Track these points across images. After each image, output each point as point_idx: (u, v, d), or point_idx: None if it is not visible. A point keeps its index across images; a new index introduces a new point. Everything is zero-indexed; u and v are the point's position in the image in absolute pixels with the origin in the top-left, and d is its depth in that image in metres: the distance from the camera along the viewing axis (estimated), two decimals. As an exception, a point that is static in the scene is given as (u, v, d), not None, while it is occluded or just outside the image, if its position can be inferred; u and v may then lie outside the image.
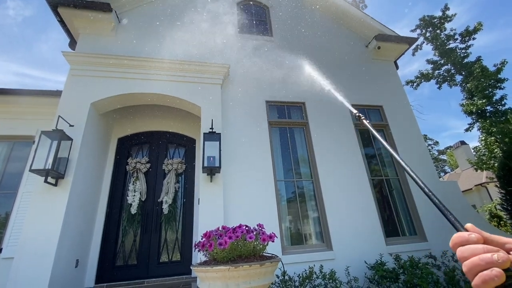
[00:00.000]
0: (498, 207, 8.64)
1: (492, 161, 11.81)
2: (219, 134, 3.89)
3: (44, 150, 3.28)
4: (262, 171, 4.14)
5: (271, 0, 6.22)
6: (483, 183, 16.09)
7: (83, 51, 4.35)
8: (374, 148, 5.07)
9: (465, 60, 16.00)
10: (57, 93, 4.36)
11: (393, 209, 4.57)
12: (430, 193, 0.65)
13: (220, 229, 1.77)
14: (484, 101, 13.38)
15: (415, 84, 18.78)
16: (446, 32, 17.07)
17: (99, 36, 4.69)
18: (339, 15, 6.35)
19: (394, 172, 4.87)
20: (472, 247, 0.44)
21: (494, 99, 13.68)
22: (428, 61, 17.93)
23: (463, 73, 15.85)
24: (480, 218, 4.74)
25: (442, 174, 30.14)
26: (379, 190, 4.69)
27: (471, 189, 16.90)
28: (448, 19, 16.97)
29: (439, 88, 18.09)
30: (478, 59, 15.23)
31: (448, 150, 30.45)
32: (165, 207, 4.55)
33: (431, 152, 30.80)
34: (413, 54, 18.67)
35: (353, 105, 4.34)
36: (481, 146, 12.90)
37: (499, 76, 13.86)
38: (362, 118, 1.05)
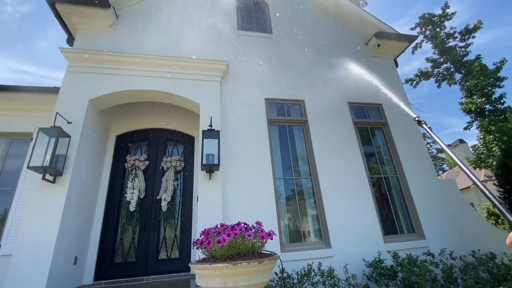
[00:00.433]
0: (496, 205, 8.67)
1: (491, 160, 11.85)
2: (218, 131, 3.88)
3: (42, 147, 3.26)
4: (261, 168, 4.14)
5: (271, -3, 6.19)
6: (482, 181, 16.08)
7: (81, 48, 4.31)
8: (373, 146, 5.07)
9: (465, 59, 16.00)
10: (55, 90, 4.33)
11: (392, 207, 4.58)
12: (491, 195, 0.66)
13: (218, 226, 1.77)
14: (483, 99, 13.40)
15: (414, 82, 18.79)
16: (446, 31, 17.05)
17: (97, 33, 4.66)
18: (339, 12, 6.32)
19: (393, 170, 4.87)
20: None
21: (493, 98, 13.71)
22: (428, 60, 17.93)
23: (463, 71, 15.85)
24: (478, 216, 4.76)
25: (440, 172, 30.24)
26: (377, 188, 4.70)
27: (469, 187, 16.97)
28: (448, 17, 16.95)
29: (438, 86, 18.11)
30: (478, 57, 15.23)
31: (447, 149, 30.46)
32: (163, 204, 4.54)
33: (430, 151, 30.87)
34: (413, 53, 18.68)
35: (352, 103, 4.36)
36: (479, 144, 12.94)
37: (498, 74, 13.87)
38: (422, 122, 1.01)
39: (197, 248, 1.76)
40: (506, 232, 4.88)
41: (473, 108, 13.72)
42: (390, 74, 5.92)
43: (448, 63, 16.88)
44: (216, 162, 3.65)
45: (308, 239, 4.10)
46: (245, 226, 1.73)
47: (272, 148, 4.40)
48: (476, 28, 15.89)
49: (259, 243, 1.74)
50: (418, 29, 17.98)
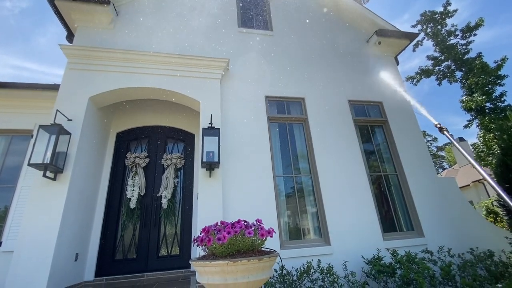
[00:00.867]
0: (495, 203, 8.72)
1: (490, 158, 11.87)
2: (218, 129, 3.88)
3: (43, 145, 3.26)
4: (261, 166, 4.15)
5: (271, -7, 6.15)
6: (481, 179, 16.19)
7: (81, 44, 4.30)
8: (373, 144, 5.07)
9: (466, 57, 15.95)
10: (55, 87, 4.32)
11: (391, 204, 4.60)
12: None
13: (219, 224, 1.78)
14: (483, 97, 13.37)
15: (415, 80, 18.74)
16: (447, 28, 16.97)
17: (97, 29, 4.64)
18: (340, 9, 6.29)
19: (393, 168, 4.88)
20: None
21: (493, 96, 13.68)
22: (429, 57, 17.87)
23: (464, 69, 15.81)
24: (476, 214, 4.78)
25: (440, 170, 30.30)
26: (377, 186, 4.71)
27: (469, 185, 17.03)
28: (450, 14, 16.86)
29: (439, 84, 18.06)
30: (479, 55, 15.18)
31: (447, 147, 30.55)
32: (164, 201, 4.56)
33: (430, 149, 30.91)
34: (414, 50, 18.59)
35: (353, 101, 4.36)
36: (479, 142, 12.94)
37: (499, 72, 13.82)
38: (444, 129, 0.99)
39: (197, 245, 1.78)
40: (504, 230, 4.90)
41: (473, 106, 13.70)
42: (390, 72, 5.90)
43: (449, 60, 16.82)
44: (216, 159, 3.66)
45: (308, 236, 4.12)
46: (245, 223, 1.75)
47: (272, 145, 4.41)
48: (477, 25, 15.82)
49: (259, 241, 1.75)
50: (419, 27, 17.89)
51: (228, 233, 1.62)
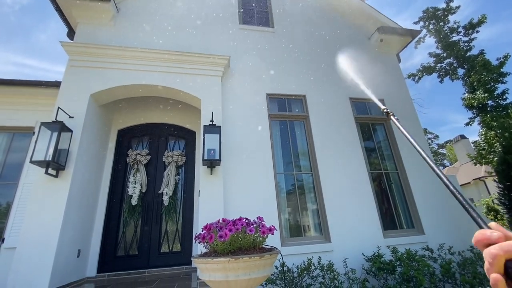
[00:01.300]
0: (496, 201, 8.72)
1: (492, 156, 11.84)
2: (219, 127, 3.88)
3: (44, 142, 3.28)
4: (262, 164, 4.15)
5: (273, -10, 6.11)
6: (482, 177, 16.18)
7: (82, 41, 4.29)
8: (374, 141, 5.07)
9: (468, 54, 15.82)
10: (56, 84, 4.32)
11: (392, 202, 4.61)
12: (455, 190, 0.63)
13: (220, 221, 1.79)
14: (485, 95, 13.29)
15: (416, 77, 18.63)
16: (449, 25, 16.81)
17: (98, 26, 4.63)
18: (342, 6, 6.24)
19: (394, 165, 4.89)
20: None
21: (495, 93, 13.60)
22: (431, 54, 17.74)
23: (466, 66, 15.70)
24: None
25: (441, 168, 30.27)
26: (378, 183, 4.72)
27: (470, 183, 17.01)
28: (452, 11, 16.70)
29: (440, 81, 17.94)
30: (481, 52, 15.06)
31: (448, 144, 30.48)
32: (165, 198, 4.58)
33: (431, 146, 30.85)
34: (416, 47, 18.46)
35: (355, 98, 4.33)
36: (481, 140, 12.90)
37: (501, 70, 13.72)
38: (390, 114, 1.00)
39: (199, 243, 1.79)
40: (505, 227, 4.91)
41: (475, 104, 13.63)
42: (392, 69, 5.88)
43: (451, 58, 16.69)
44: (217, 157, 3.66)
45: (308, 233, 4.14)
46: (247, 221, 1.76)
47: (273, 143, 4.41)
48: (480, 22, 15.67)
49: (260, 238, 1.76)
50: (421, 23, 17.72)
51: (230, 230, 1.63)
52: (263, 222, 1.81)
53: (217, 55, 4.54)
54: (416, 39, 16.03)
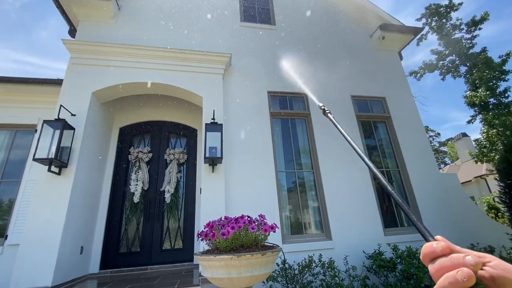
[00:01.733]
0: (496, 199, 8.72)
1: (493, 154, 11.81)
2: (221, 125, 3.89)
3: (47, 139, 3.29)
4: (264, 162, 4.16)
5: (274, -13, 6.07)
6: (483, 175, 16.16)
7: (83, 39, 4.29)
8: (375, 139, 5.07)
9: (470, 51, 15.72)
10: (58, 82, 4.33)
11: (392, 200, 4.61)
12: (399, 200, 0.58)
13: (222, 219, 1.80)
14: (487, 93, 13.22)
15: (418, 75, 18.55)
16: (452, 22, 16.69)
17: (99, 24, 4.62)
18: (343, 4, 6.21)
19: (395, 163, 4.89)
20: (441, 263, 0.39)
21: (497, 91, 13.52)
22: (433, 52, 17.63)
23: (468, 64, 15.61)
24: (478, 210, 4.80)
25: (442, 165, 30.22)
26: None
27: (471, 180, 16.99)
28: (455, 8, 16.56)
29: (442, 79, 17.85)
30: (484, 50, 14.95)
31: (449, 142, 30.40)
32: (167, 196, 4.61)
33: (432, 144, 30.79)
34: (418, 44, 18.33)
35: (356, 96, 4.32)
36: (482, 138, 12.85)
37: (503, 68, 13.63)
38: (327, 112, 1.06)
39: (201, 240, 1.80)
40: (505, 226, 4.92)
41: (477, 102, 13.56)
42: (394, 67, 5.86)
43: (454, 55, 16.59)
44: (219, 155, 3.67)
45: (309, 231, 4.16)
46: (249, 219, 1.77)
47: (274, 141, 4.42)
48: (482, 19, 15.55)
49: (262, 236, 1.77)
50: (423, 20, 17.59)
51: (232, 228, 1.64)
52: (265, 220, 1.82)
53: (218, 53, 4.53)
54: (418, 36, 15.94)
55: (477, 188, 16.77)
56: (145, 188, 4.62)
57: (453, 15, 16.72)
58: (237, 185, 3.91)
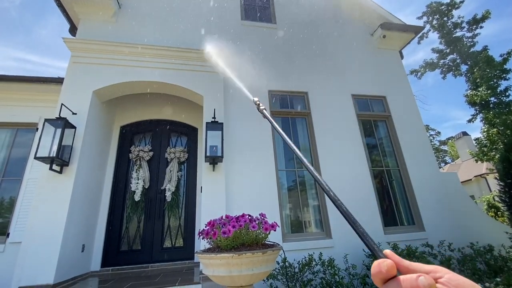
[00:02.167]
0: (496, 198, 8.73)
1: (493, 153, 11.81)
2: (222, 123, 3.90)
3: (48, 138, 3.31)
4: (264, 160, 4.18)
5: (275, -15, 6.05)
6: (483, 174, 16.17)
7: (84, 38, 4.29)
8: (375, 138, 5.08)
9: (472, 50, 15.69)
10: (59, 80, 4.34)
11: (393, 199, 4.63)
12: (344, 210, 0.54)
13: (223, 218, 1.81)
14: (488, 92, 13.19)
15: (419, 73, 18.54)
16: (453, 20, 16.64)
17: (100, 22, 4.62)
18: (344, 2, 6.19)
19: (395, 162, 4.90)
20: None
21: (498, 90, 13.49)
22: (434, 50, 17.61)
23: (469, 62, 15.57)
24: (477, 209, 4.81)
25: (442, 164, 30.23)
26: (379, 180, 4.74)
27: (471, 179, 17.00)
28: (456, 6, 16.51)
29: (443, 78, 17.85)
30: (485, 48, 14.91)
31: (450, 141, 30.39)
32: (168, 194, 4.62)
33: (433, 143, 30.77)
34: (419, 43, 18.33)
35: (356, 95, 4.32)
36: (483, 137, 12.84)
37: (504, 66, 13.59)
38: (261, 107, 1.07)
39: (202, 238, 1.82)
40: (505, 224, 4.93)
41: (477, 101, 13.53)
42: (395, 66, 5.85)
43: (455, 54, 16.57)
44: (219, 154, 3.68)
45: (310, 229, 4.18)
46: (250, 218, 1.78)
47: (274, 140, 4.43)
48: (484, 18, 15.50)
49: (263, 234, 1.79)
50: (425, 18, 17.55)
51: (233, 226, 1.65)
52: (265, 219, 1.83)
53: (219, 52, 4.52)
54: (420, 35, 15.89)
55: (477, 187, 16.79)
56: (146, 187, 4.64)
57: (455, 13, 16.68)
58: (237, 183, 3.92)
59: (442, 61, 17.47)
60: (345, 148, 4.59)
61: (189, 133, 5.20)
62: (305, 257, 3.47)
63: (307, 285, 3.10)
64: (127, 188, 4.63)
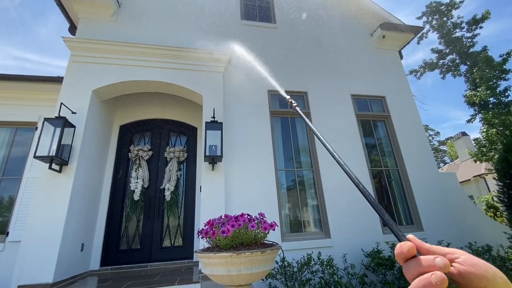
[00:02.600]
0: (495, 198, 8.75)
1: (492, 153, 11.83)
2: (221, 123, 3.90)
3: (48, 137, 3.31)
4: (263, 160, 4.18)
5: (275, -15, 6.05)
6: (482, 174, 16.20)
7: (84, 37, 4.29)
8: (374, 138, 5.08)
9: (471, 50, 15.71)
10: (58, 79, 4.33)
11: (391, 199, 4.65)
12: (373, 201, 0.59)
13: (223, 217, 1.82)
14: (487, 92, 13.21)
15: (418, 73, 18.55)
16: (453, 20, 16.65)
17: (100, 21, 4.61)
18: (344, 2, 6.19)
19: (394, 162, 4.91)
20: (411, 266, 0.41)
21: (497, 91, 13.51)
22: (433, 50, 17.62)
23: (468, 63, 15.59)
24: (476, 209, 4.83)
25: (441, 164, 30.28)
26: (378, 180, 4.75)
27: (470, 180, 17.03)
28: (456, 6, 16.52)
29: (442, 78, 17.87)
30: (484, 48, 14.93)
31: (449, 141, 30.43)
32: (167, 194, 4.63)
33: (432, 143, 30.82)
34: (418, 43, 18.33)
35: (355, 95, 4.33)
36: (482, 138, 12.86)
37: (504, 67, 13.61)
38: (294, 105, 1.09)
39: (201, 238, 1.82)
40: (504, 225, 4.95)
41: (477, 101, 13.55)
42: (394, 66, 5.85)
43: (454, 54, 16.58)
44: (219, 153, 3.69)
45: (308, 229, 4.19)
46: (249, 217, 1.79)
47: (274, 140, 4.43)
48: (483, 18, 15.51)
49: (262, 234, 1.79)
50: (424, 18, 17.56)
51: (232, 226, 1.66)
52: (264, 218, 1.84)
53: (218, 51, 4.53)
54: (419, 35, 15.89)
55: (476, 187, 16.82)
56: (145, 186, 4.64)
57: (454, 13, 16.69)
58: (237, 183, 3.93)
59: (441, 61, 17.48)
60: (344, 147, 4.59)
61: (189, 132, 5.21)
62: (304, 257, 3.48)
63: (306, 284, 3.11)
64: (127, 187, 4.63)
